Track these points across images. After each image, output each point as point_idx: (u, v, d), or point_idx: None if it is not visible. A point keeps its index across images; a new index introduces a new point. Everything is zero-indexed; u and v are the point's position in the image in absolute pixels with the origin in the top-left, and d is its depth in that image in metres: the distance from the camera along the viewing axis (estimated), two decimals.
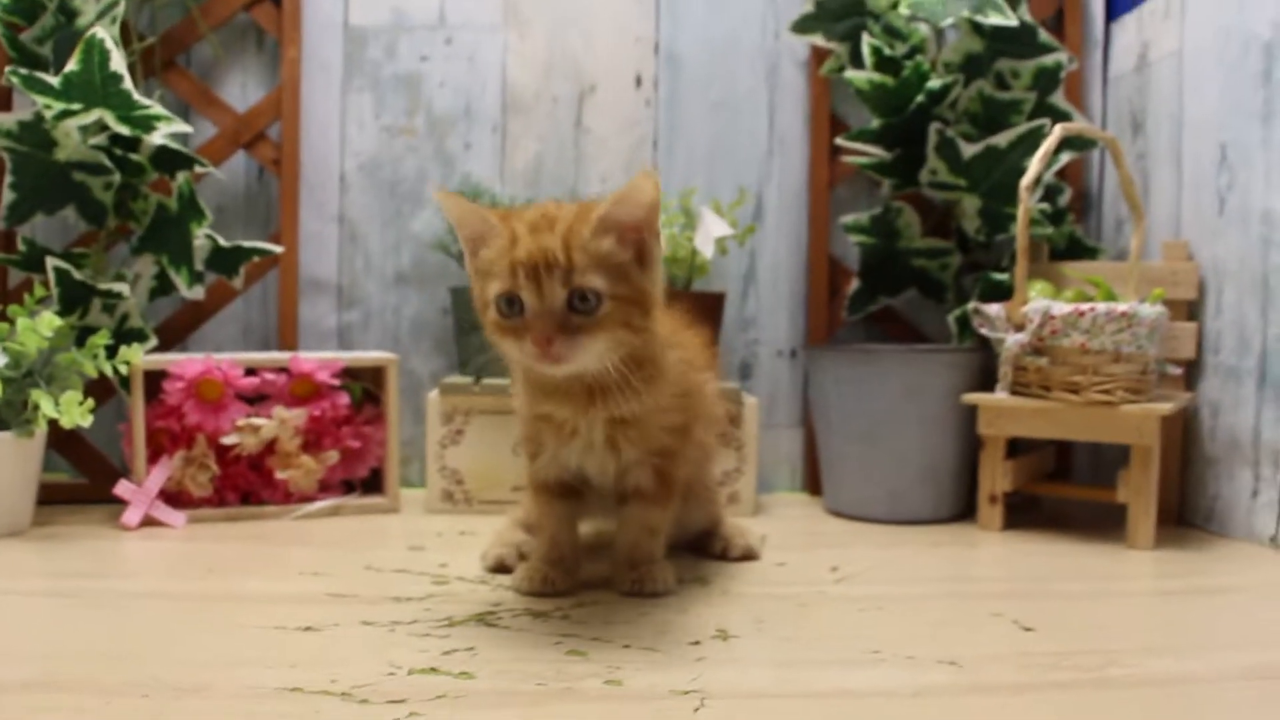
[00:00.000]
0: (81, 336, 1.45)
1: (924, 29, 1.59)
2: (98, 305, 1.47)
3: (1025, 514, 1.54)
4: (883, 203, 1.67)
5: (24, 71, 1.36)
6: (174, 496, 1.46)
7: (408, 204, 1.71)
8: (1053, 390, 1.39)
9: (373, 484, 1.58)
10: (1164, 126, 1.57)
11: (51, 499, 1.52)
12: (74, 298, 1.45)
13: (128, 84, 1.37)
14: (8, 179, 1.46)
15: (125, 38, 1.52)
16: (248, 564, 1.23)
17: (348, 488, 1.57)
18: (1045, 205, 1.58)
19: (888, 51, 1.55)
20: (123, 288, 1.45)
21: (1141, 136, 1.63)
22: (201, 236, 1.50)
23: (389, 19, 1.70)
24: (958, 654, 0.93)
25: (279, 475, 1.49)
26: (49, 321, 1.33)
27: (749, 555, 1.26)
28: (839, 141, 1.64)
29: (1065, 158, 1.60)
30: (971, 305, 1.50)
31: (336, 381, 1.51)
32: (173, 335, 1.62)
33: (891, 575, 1.22)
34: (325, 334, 1.71)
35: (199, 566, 1.21)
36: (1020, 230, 1.41)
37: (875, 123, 1.60)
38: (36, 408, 1.32)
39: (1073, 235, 1.63)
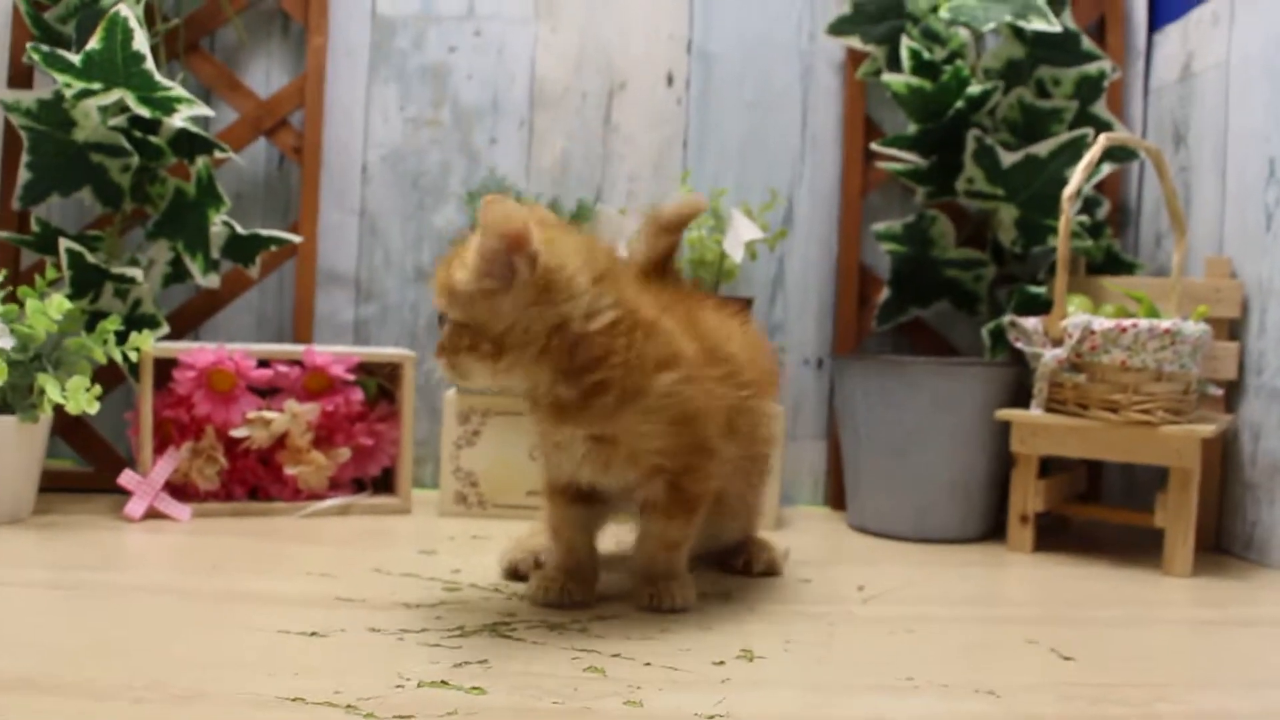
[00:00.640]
0: (92, 321, 1.41)
1: (964, 34, 1.55)
2: (110, 290, 1.44)
3: (1054, 535, 1.48)
4: (916, 210, 1.62)
5: (45, 48, 1.32)
6: (180, 489, 1.42)
7: (430, 198, 1.67)
8: (1090, 408, 1.34)
9: (384, 483, 1.54)
10: (1208, 139, 1.52)
11: (55, 486, 1.48)
12: (86, 281, 1.42)
13: (149, 64, 1.34)
14: (24, 158, 1.43)
15: (149, 19, 1.48)
16: (253, 561, 1.20)
17: (358, 486, 1.53)
18: (1084, 218, 1.53)
19: (926, 56, 1.51)
20: (136, 272, 1.42)
21: (1184, 149, 1.58)
22: (219, 223, 1.47)
23: (418, 9, 1.66)
24: (995, 683, 0.88)
25: (288, 471, 1.46)
26: (58, 304, 1.29)
27: (771, 570, 1.22)
28: (874, 147, 1.60)
29: (1105, 170, 1.55)
30: (1008, 318, 1.45)
31: (351, 377, 1.48)
32: (186, 323, 1.58)
33: (920, 595, 1.17)
34: (341, 328, 1.67)
35: (202, 562, 1.18)
36: (1061, 242, 1.36)
37: (911, 128, 1.55)
38: (42, 392, 1.29)
39: (1110, 250, 1.58)
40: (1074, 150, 1.49)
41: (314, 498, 1.47)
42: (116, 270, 1.41)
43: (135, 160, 1.44)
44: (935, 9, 1.55)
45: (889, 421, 1.46)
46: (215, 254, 1.48)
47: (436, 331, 1.02)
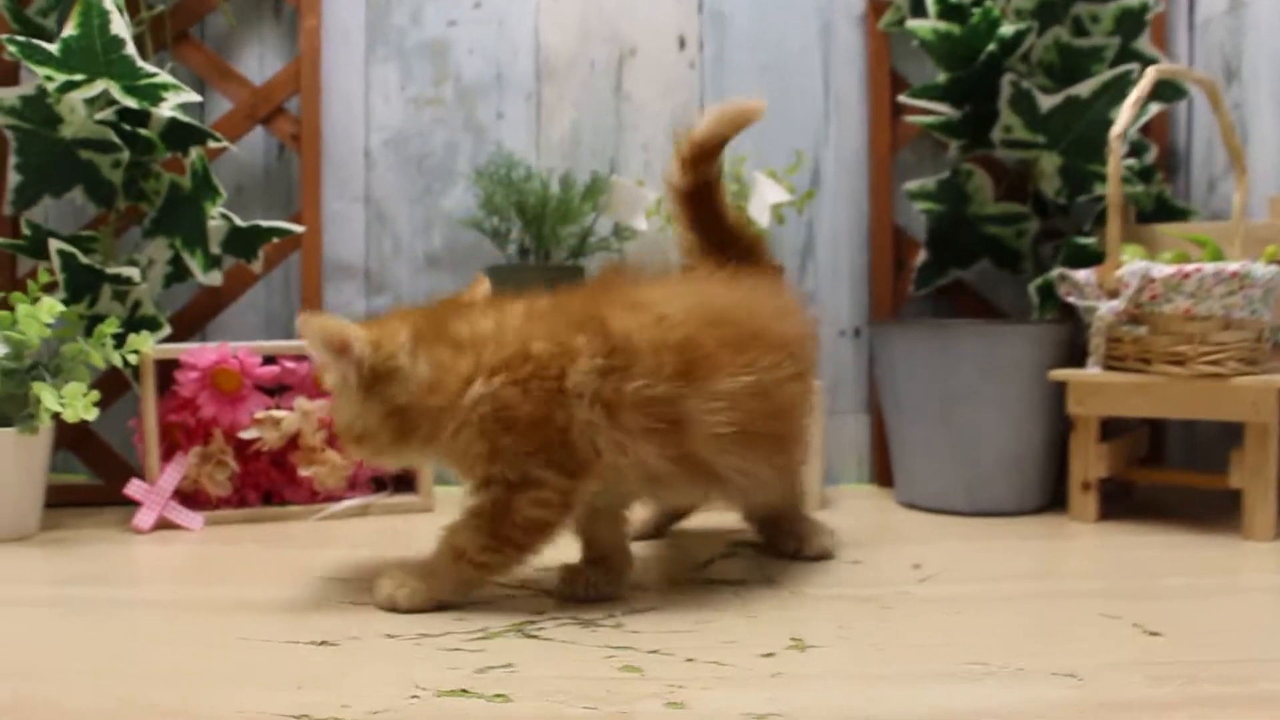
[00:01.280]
0: (91, 326, 1.35)
1: None
2: (108, 292, 1.37)
3: (1118, 503, 1.39)
4: (950, 166, 1.53)
5: (21, 39, 1.26)
6: (191, 497, 1.35)
7: (438, 180, 1.60)
8: (1153, 363, 1.25)
9: (404, 482, 1.46)
10: (1264, 72, 1.41)
11: (66, 501, 1.42)
12: (82, 284, 1.35)
13: (131, 50, 1.27)
14: (12, 159, 1.37)
15: (133, 7, 1.42)
16: (266, 569, 1.12)
17: (378, 486, 1.45)
18: (1132, 161, 1.43)
19: None
20: (132, 272, 1.35)
21: (1236, 84, 1.48)
22: (217, 217, 1.40)
23: None
24: (1075, 664, 0.79)
25: (302, 472, 1.38)
26: (49, 307, 1.23)
27: (825, 555, 1.13)
28: (902, 99, 1.51)
29: (1153, 110, 1.45)
30: (1057, 271, 1.35)
31: None
32: (190, 324, 1.51)
33: (981, 573, 1.08)
34: (352, 321, 1.59)
35: (212, 572, 1.11)
36: (1112, 185, 1.26)
37: (941, 77, 1.46)
38: (39, 402, 1.22)
39: (1161, 196, 1.48)
40: (1118, 89, 1.39)
41: (331, 499, 1.40)
42: (112, 271, 1.35)
43: (126, 155, 1.37)
44: None
45: (934, 390, 1.37)
46: (216, 250, 1.41)
47: None
